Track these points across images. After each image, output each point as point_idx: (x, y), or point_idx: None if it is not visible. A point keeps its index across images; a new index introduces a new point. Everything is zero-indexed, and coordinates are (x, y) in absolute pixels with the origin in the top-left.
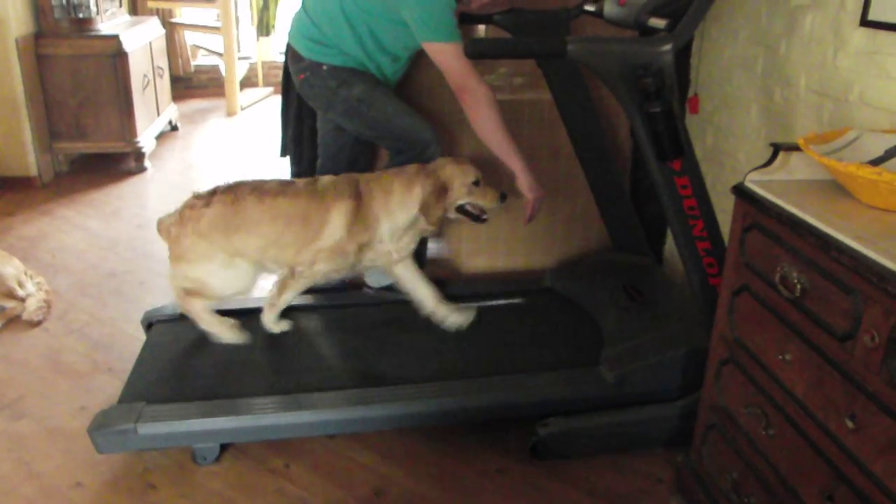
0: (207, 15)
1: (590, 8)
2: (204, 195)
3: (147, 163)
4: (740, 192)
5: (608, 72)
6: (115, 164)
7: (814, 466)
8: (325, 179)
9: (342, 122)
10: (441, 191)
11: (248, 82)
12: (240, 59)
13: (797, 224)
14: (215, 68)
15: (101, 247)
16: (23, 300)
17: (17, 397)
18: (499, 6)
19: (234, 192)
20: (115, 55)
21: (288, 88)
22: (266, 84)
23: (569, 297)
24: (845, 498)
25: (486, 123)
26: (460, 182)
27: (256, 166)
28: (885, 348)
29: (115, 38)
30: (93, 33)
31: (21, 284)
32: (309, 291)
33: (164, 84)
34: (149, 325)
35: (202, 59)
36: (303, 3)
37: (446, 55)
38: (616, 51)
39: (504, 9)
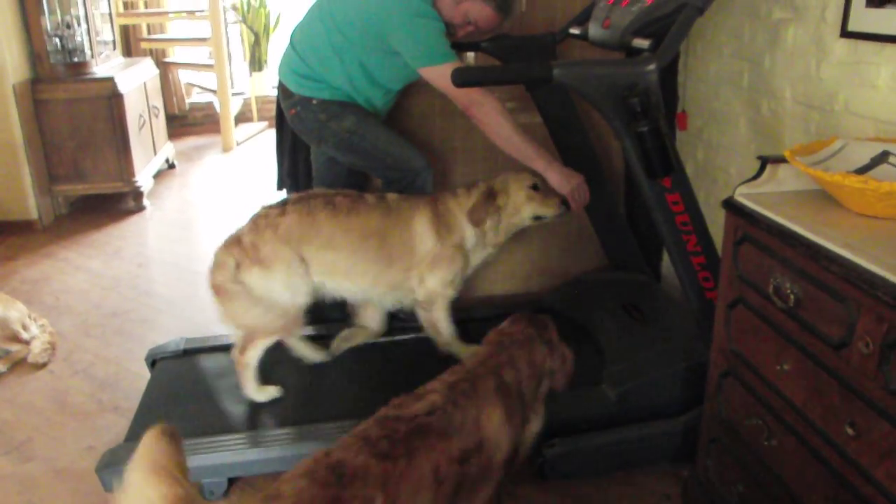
0: (200, 53)
1: (575, 31)
2: (275, 205)
3: (146, 202)
4: (730, 205)
5: (594, 94)
6: (115, 204)
7: (817, 475)
8: (392, 195)
9: (334, 154)
10: (489, 195)
11: (242, 117)
12: (233, 95)
13: (787, 235)
14: (210, 105)
15: (104, 287)
16: (27, 343)
17: (24, 439)
18: (483, 35)
19: (308, 204)
20: (111, 97)
21: (282, 123)
22: (260, 119)
23: (568, 317)
24: None
25: (500, 131)
26: (517, 186)
27: (255, 201)
28: (880, 354)
29: (111, 80)
30: (88, 76)
31: (25, 327)
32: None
33: (160, 123)
34: (152, 362)
35: (196, 97)
36: (290, 40)
37: (444, 76)
38: (601, 73)
39: (490, 36)
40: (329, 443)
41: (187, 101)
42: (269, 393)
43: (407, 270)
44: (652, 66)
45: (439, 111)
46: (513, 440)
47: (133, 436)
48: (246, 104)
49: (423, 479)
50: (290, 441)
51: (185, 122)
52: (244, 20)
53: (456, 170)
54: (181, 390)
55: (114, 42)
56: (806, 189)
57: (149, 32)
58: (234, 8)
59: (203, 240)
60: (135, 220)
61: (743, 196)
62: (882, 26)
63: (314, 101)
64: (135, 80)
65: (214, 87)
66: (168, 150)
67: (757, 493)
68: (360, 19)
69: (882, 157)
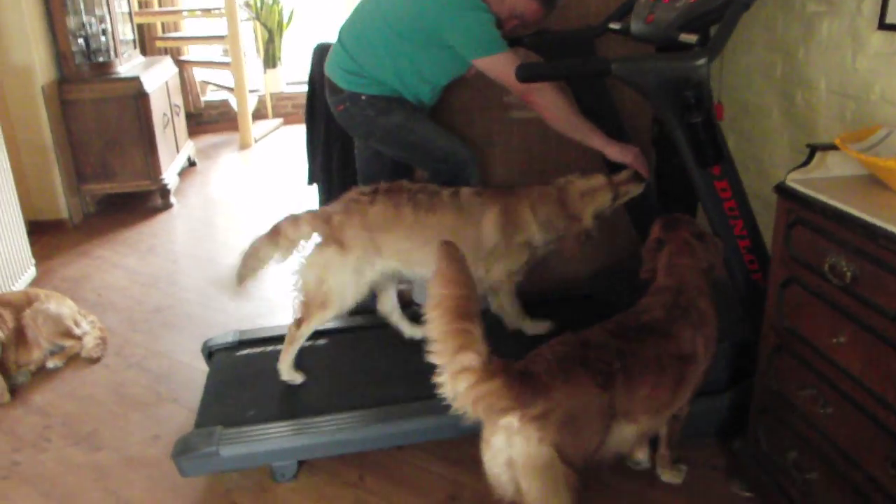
0: (212, 51)
1: (615, 26)
2: (367, 192)
3: (172, 199)
4: (783, 191)
5: (650, 87)
6: (141, 202)
7: (875, 437)
8: (467, 191)
9: (382, 148)
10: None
11: (257, 115)
12: (248, 92)
13: (844, 217)
14: (225, 103)
15: (143, 283)
16: (80, 338)
17: (91, 430)
18: (527, 29)
19: (396, 196)
20: (137, 96)
21: (312, 118)
22: (275, 115)
23: (609, 302)
24: None
25: (559, 114)
26: (601, 187)
27: (279, 196)
28: None
29: (137, 79)
30: (113, 76)
31: (77, 323)
32: (357, 312)
33: (181, 121)
34: (209, 354)
35: (210, 95)
36: (339, 37)
37: (500, 65)
38: (657, 67)
39: (533, 30)
40: (392, 424)
41: (202, 99)
42: (295, 377)
43: (474, 262)
44: (704, 60)
45: (478, 106)
46: (708, 355)
47: (202, 423)
48: (261, 101)
49: (649, 361)
50: (356, 424)
51: (201, 120)
52: (258, 17)
53: (493, 162)
54: (241, 379)
55: (134, 41)
56: (853, 175)
57: (163, 31)
58: (248, 5)
59: (232, 236)
60: (163, 217)
61: (795, 182)
62: None
63: (363, 97)
64: (158, 79)
65: (229, 85)
66: (189, 148)
67: (811, 459)
68: (413, 16)
69: None
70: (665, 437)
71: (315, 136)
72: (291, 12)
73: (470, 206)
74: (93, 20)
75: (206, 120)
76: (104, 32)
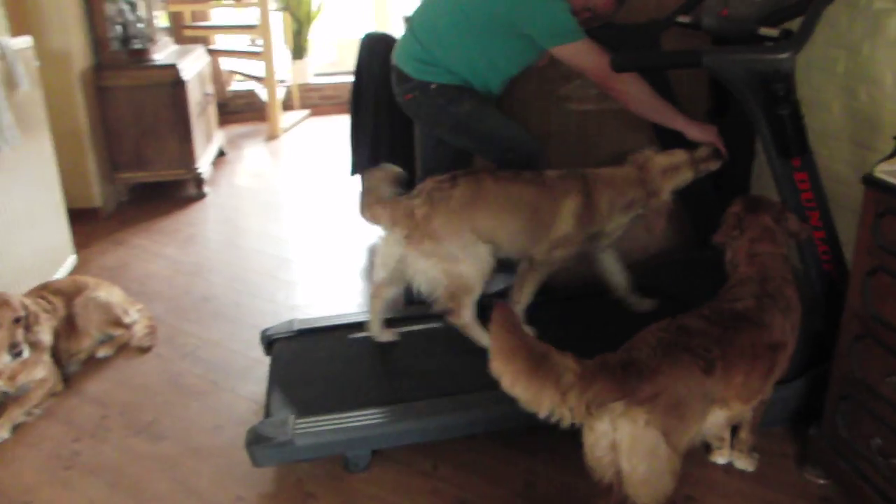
0: (236, 41)
1: (683, 20)
2: (445, 178)
3: (206, 189)
4: (871, 182)
5: (738, 79)
6: (174, 191)
7: None
8: (552, 174)
9: (449, 137)
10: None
11: (285, 105)
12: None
13: None
14: (251, 93)
15: (187, 272)
16: (130, 328)
17: (151, 420)
18: (596, 22)
19: (476, 177)
20: (174, 84)
21: (358, 110)
22: (302, 107)
23: (670, 294)
24: None
25: (641, 97)
26: (685, 163)
27: (312, 187)
28: None
29: (173, 67)
30: (150, 63)
31: (126, 312)
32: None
33: (213, 111)
34: (269, 343)
35: (236, 85)
36: (410, 26)
37: (580, 54)
38: (746, 59)
39: (602, 23)
40: (462, 412)
41: (228, 89)
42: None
43: (539, 242)
44: (791, 54)
45: (535, 97)
46: (794, 341)
47: (272, 412)
48: (288, 92)
49: (744, 348)
50: (427, 413)
51: (227, 109)
52: (287, 7)
53: (550, 154)
54: (306, 368)
55: (169, 29)
56: None
57: (192, 20)
58: None
59: (270, 225)
60: (198, 206)
61: (884, 173)
62: None
63: (433, 86)
64: (194, 68)
65: (257, 75)
66: (220, 137)
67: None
68: (487, 5)
69: None
70: (749, 423)
71: (360, 128)
72: (321, 4)
73: (553, 187)
74: (129, 7)
75: (232, 109)
76: (140, 19)
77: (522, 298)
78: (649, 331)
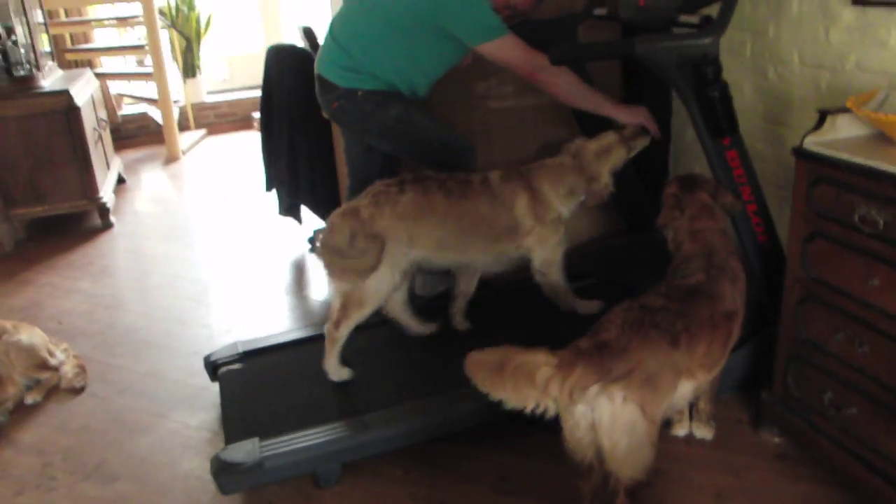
0: (121, 63)
1: (600, 12)
2: (392, 182)
3: (112, 218)
4: (803, 153)
5: (668, 64)
6: (76, 223)
7: None
8: (495, 175)
9: (378, 143)
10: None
11: (179, 126)
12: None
13: (872, 171)
14: (143, 116)
15: (107, 306)
16: (57, 369)
17: (98, 462)
18: (516, 19)
19: (424, 185)
20: (68, 111)
21: (270, 124)
22: (198, 126)
23: (609, 278)
24: None
25: (569, 88)
26: (617, 145)
27: (224, 207)
28: None
29: (66, 93)
30: (38, 91)
31: (51, 353)
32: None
33: (108, 137)
34: (213, 369)
35: (126, 109)
36: (330, 33)
37: (505, 49)
38: (677, 46)
39: (519, 20)
40: (428, 415)
41: (118, 113)
42: (344, 374)
43: (514, 242)
44: (715, 38)
45: (457, 98)
46: (743, 309)
47: (233, 438)
48: (182, 112)
49: (703, 320)
50: (394, 420)
51: (119, 135)
52: (173, 25)
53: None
54: (258, 390)
55: (51, 53)
56: (860, 135)
57: (72, 42)
58: (162, 13)
59: (188, 251)
60: (105, 237)
61: (813, 144)
62: None
63: (359, 93)
64: (85, 93)
65: (148, 97)
66: (117, 164)
67: (849, 395)
68: (410, 7)
69: None
70: (707, 393)
71: (273, 141)
72: (209, 19)
73: (501, 191)
74: (5, 31)
75: (125, 135)
76: (21, 45)
77: (567, 300)
78: (614, 312)
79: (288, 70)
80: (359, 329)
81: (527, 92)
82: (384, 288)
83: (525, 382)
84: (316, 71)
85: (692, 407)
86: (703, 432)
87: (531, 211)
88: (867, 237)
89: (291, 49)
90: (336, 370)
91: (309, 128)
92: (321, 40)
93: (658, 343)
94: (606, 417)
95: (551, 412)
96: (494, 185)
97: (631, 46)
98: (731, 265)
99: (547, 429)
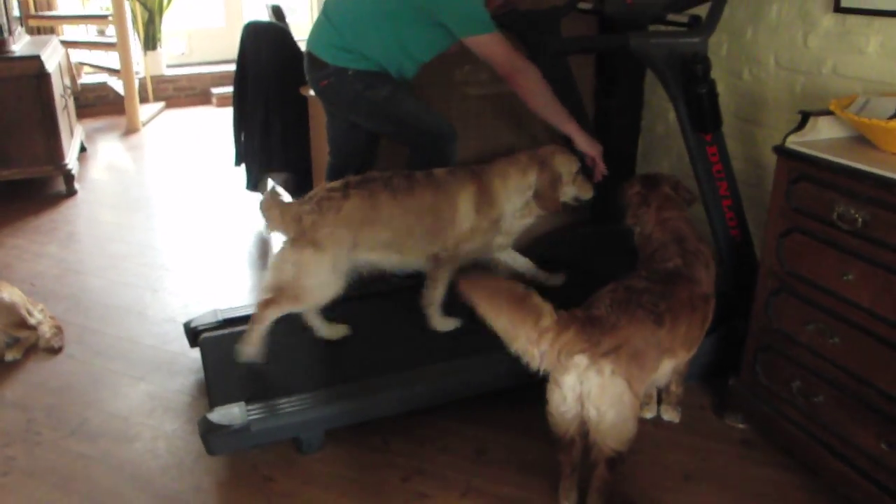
0: (81, 32)
1: (585, 6)
2: (337, 187)
3: (76, 185)
4: (784, 152)
5: (661, 60)
6: (40, 189)
7: (887, 357)
8: (441, 172)
9: (365, 121)
10: (556, 181)
11: (139, 98)
12: None
13: (854, 172)
14: (103, 86)
15: (77, 271)
16: (34, 328)
17: (81, 420)
18: (502, 8)
19: (368, 188)
20: (39, 76)
21: (243, 99)
22: (156, 99)
23: (581, 266)
24: None
25: (539, 96)
26: (568, 171)
27: (186, 177)
28: None
29: (37, 58)
30: (9, 55)
31: (30, 313)
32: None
33: (72, 105)
34: (194, 335)
35: (86, 78)
36: (324, 12)
37: (490, 45)
38: (668, 42)
39: (505, 10)
40: (408, 388)
41: (78, 81)
42: (253, 356)
43: (446, 241)
44: (705, 37)
45: (436, 83)
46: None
47: (219, 401)
48: (141, 84)
49: (684, 301)
50: (378, 389)
51: (78, 103)
52: None
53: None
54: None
55: (20, 19)
56: (840, 136)
57: (36, 9)
58: None
59: (151, 220)
60: (70, 203)
61: (795, 144)
62: (874, 2)
63: (350, 72)
64: (54, 59)
65: (110, 67)
66: (80, 132)
67: (816, 384)
68: None
69: None
70: (679, 377)
71: (246, 116)
72: None
73: (446, 184)
74: None
75: (84, 104)
76: None
77: (436, 298)
78: (601, 294)
79: (265, 46)
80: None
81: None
82: (324, 292)
83: (525, 320)
84: (306, 48)
85: (660, 391)
86: (671, 415)
87: (475, 205)
88: (845, 234)
89: (269, 26)
90: (249, 351)
91: (284, 103)
92: (289, 18)
93: (644, 322)
94: (595, 389)
95: (533, 366)
96: (440, 178)
97: (625, 41)
98: (703, 251)
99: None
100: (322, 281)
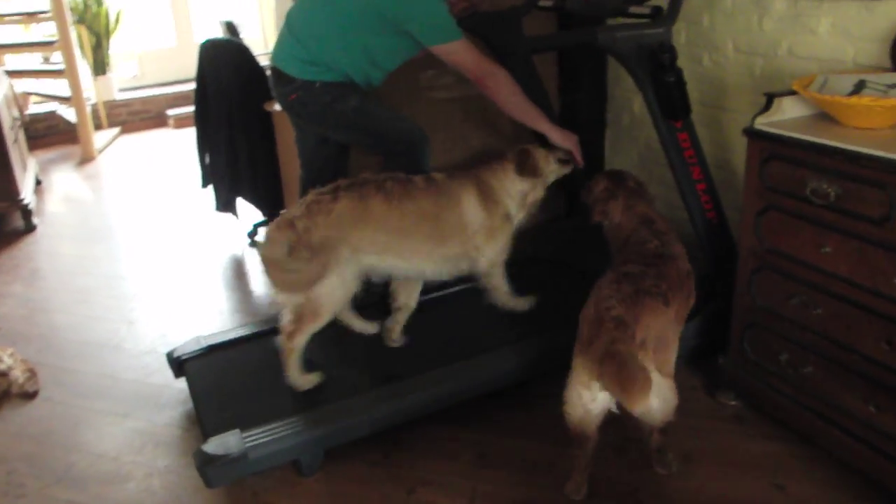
0: (27, 61)
1: (545, 3)
2: (326, 191)
3: (35, 220)
4: (754, 133)
5: (629, 52)
6: None
7: (868, 323)
8: (440, 176)
9: (335, 133)
10: (535, 158)
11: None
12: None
13: (822, 148)
14: (52, 115)
15: (45, 309)
16: (6, 374)
17: (67, 465)
18: (464, 12)
19: (360, 191)
20: None
21: (205, 119)
22: (111, 125)
23: (559, 261)
24: None
25: (511, 98)
26: (545, 156)
27: (147, 204)
28: None
29: None
30: None
31: None
32: None
33: (23, 137)
34: (179, 364)
35: (34, 108)
36: (287, 26)
37: (459, 52)
38: (634, 34)
39: (467, 14)
40: (403, 398)
41: (25, 112)
42: (311, 380)
43: (462, 244)
44: (668, 27)
45: (403, 89)
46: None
47: (211, 431)
48: (93, 110)
49: (674, 278)
50: (374, 403)
51: (27, 135)
52: (83, 21)
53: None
54: (228, 382)
55: None
56: (805, 115)
57: None
58: (70, 9)
59: (114, 251)
60: (30, 239)
61: (763, 125)
62: None
63: (317, 85)
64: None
65: (59, 95)
66: (33, 165)
67: (804, 355)
68: (368, 4)
69: (861, 85)
70: None
71: (210, 136)
72: (118, 15)
73: (448, 188)
74: None
75: (34, 135)
76: None
77: (503, 297)
78: (603, 289)
79: (225, 64)
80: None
81: (462, 85)
82: (338, 296)
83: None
84: (271, 63)
85: None
86: None
87: (481, 205)
88: (819, 208)
89: (227, 43)
90: (300, 380)
91: (248, 120)
92: (243, 33)
93: (656, 307)
94: None
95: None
96: (441, 182)
97: (594, 35)
98: (671, 230)
99: None
100: (332, 286)
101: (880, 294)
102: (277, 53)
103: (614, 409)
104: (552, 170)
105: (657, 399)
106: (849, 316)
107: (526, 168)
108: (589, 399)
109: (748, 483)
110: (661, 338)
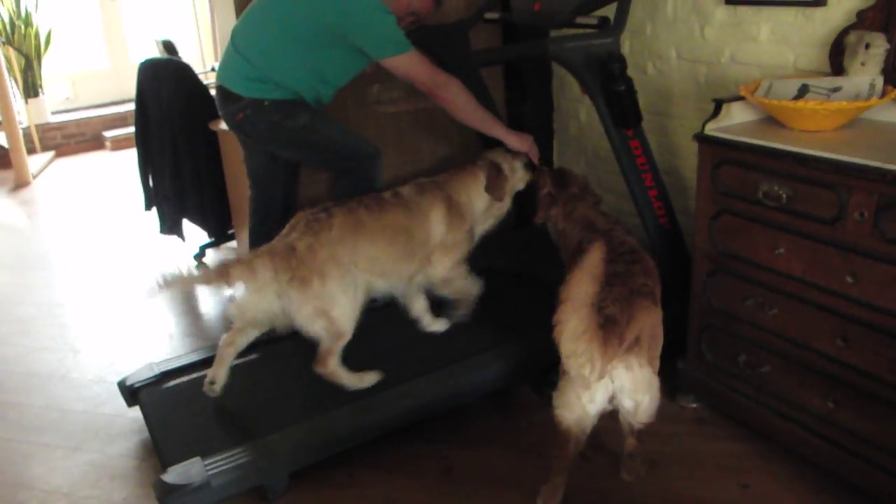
0: None
1: (492, 16)
2: (317, 210)
3: None
4: (705, 139)
5: (578, 62)
6: None
7: (823, 321)
8: (407, 189)
9: (284, 151)
10: (502, 174)
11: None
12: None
13: (772, 151)
14: None
15: None
16: None
17: None
18: (411, 25)
19: (348, 207)
20: None
21: (146, 140)
22: (44, 149)
23: (515, 271)
24: (857, 333)
25: (465, 107)
26: (517, 164)
27: (86, 229)
28: (875, 217)
29: None
30: None
31: None
32: None
33: None
34: (132, 393)
35: None
36: (233, 43)
37: (409, 65)
38: (584, 45)
39: (414, 27)
40: (366, 416)
41: None
42: (371, 378)
43: (421, 260)
44: (616, 37)
45: (351, 104)
46: None
47: (170, 461)
48: (25, 134)
49: (651, 271)
50: (336, 423)
51: None
52: (9, 42)
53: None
54: (185, 409)
55: None
56: (753, 119)
57: None
58: None
59: (52, 279)
60: None
61: (713, 130)
62: None
63: (266, 103)
64: None
65: None
66: None
67: (761, 355)
68: (316, 19)
69: (805, 89)
70: None
71: (152, 158)
72: (48, 35)
73: (417, 204)
74: None
75: None
76: None
77: (462, 307)
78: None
79: (166, 84)
80: (280, 340)
81: (410, 98)
82: (352, 311)
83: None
84: (217, 82)
85: None
86: None
87: (446, 220)
88: (771, 210)
89: (168, 62)
90: (360, 381)
91: (193, 140)
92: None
93: (647, 305)
94: (629, 385)
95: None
96: (409, 197)
97: (544, 47)
98: (618, 225)
99: None
100: (345, 302)
101: (834, 292)
102: (223, 72)
103: (610, 406)
104: (520, 177)
105: (647, 395)
106: (804, 315)
107: (496, 190)
108: (588, 400)
109: (714, 484)
110: (652, 336)
